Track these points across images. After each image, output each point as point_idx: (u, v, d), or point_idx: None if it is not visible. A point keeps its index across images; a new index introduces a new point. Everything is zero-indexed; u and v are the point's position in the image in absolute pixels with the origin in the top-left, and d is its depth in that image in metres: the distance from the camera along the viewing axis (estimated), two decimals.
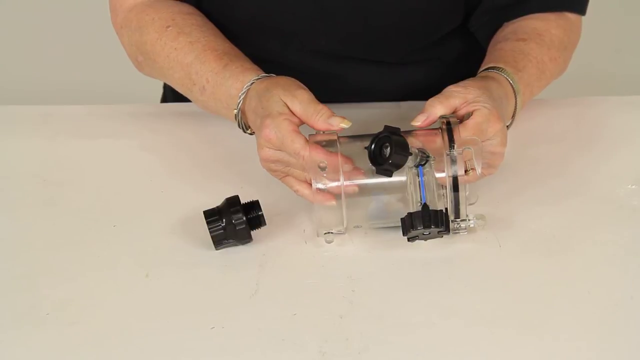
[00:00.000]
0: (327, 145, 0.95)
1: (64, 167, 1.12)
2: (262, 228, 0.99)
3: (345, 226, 0.96)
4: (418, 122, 0.96)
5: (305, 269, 0.96)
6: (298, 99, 0.97)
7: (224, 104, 1.05)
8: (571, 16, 1.17)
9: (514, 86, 1.04)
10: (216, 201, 1.01)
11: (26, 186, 1.09)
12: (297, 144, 0.95)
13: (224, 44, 1.10)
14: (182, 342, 0.87)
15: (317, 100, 0.98)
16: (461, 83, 1.00)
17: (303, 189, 0.98)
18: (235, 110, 1.03)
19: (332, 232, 0.97)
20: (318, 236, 0.97)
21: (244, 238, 0.97)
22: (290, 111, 0.97)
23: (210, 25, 1.14)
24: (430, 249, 0.97)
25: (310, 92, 0.99)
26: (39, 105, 1.24)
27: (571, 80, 1.29)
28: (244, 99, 1.02)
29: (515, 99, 1.04)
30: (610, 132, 1.16)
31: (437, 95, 0.98)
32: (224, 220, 0.96)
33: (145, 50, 1.13)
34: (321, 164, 0.94)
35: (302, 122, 0.97)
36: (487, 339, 0.87)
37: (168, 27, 1.11)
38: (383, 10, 1.15)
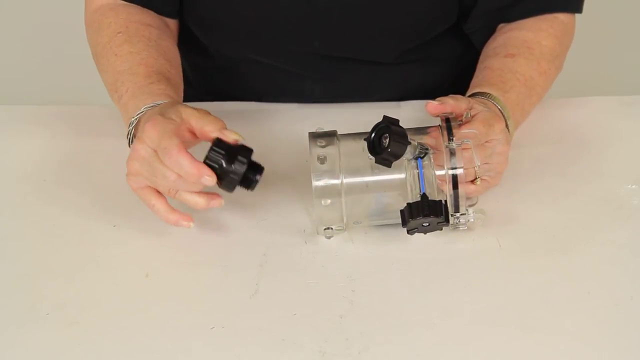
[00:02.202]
0: (327, 143, 0.95)
1: (64, 167, 1.12)
2: (262, 228, 0.99)
3: (345, 222, 0.96)
4: (432, 105, 0.97)
5: (305, 269, 0.96)
6: (198, 111, 0.96)
7: (130, 114, 1.02)
8: (564, 18, 1.16)
9: (503, 113, 1.04)
10: None
11: (26, 186, 1.09)
12: (173, 140, 0.92)
13: (162, 64, 1.08)
14: (182, 342, 0.87)
15: (214, 116, 0.96)
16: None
17: (159, 205, 0.96)
18: (134, 118, 1.00)
19: (331, 228, 0.97)
20: (318, 233, 0.97)
21: (228, 186, 0.94)
22: (181, 124, 0.95)
23: (164, 42, 1.13)
24: (430, 249, 0.97)
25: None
26: (39, 105, 1.24)
27: (571, 80, 1.29)
28: (145, 112, 1.00)
29: (506, 123, 1.04)
30: (610, 132, 1.16)
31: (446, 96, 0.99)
32: (226, 160, 0.93)
33: (97, 51, 1.13)
34: (320, 155, 0.94)
35: (194, 137, 0.96)
36: (487, 338, 0.87)
37: (119, 33, 1.11)
38: (377, 10, 1.15)
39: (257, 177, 0.95)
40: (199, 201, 0.95)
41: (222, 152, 0.93)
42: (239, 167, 0.93)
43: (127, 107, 1.03)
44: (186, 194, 0.95)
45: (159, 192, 0.97)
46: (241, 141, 0.94)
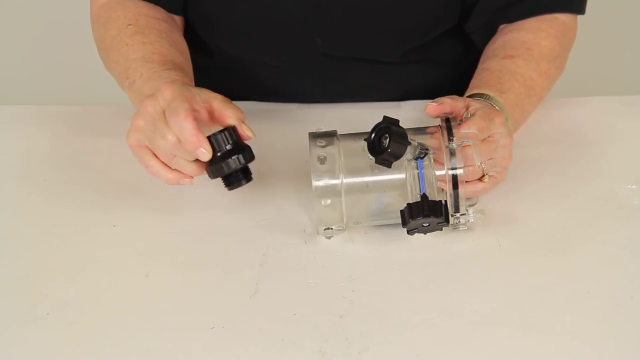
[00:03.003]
0: (327, 143, 0.95)
1: (64, 167, 1.12)
2: (262, 228, 0.99)
3: (345, 222, 0.96)
4: (431, 107, 0.96)
5: (305, 269, 0.96)
6: (221, 95, 0.96)
7: (142, 97, 1.00)
8: (565, 19, 1.16)
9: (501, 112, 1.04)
10: (216, 201, 1.02)
11: (26, 186, 1.09)
12: (185, 105, 0.91)
13: (175, 55, 1.08)
14: (182, 342, 0.87)
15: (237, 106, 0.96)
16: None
17: (157, 165, 0.95)
18: None
19: (331, 228, 0.97)
20: (318, 233, 0.97)
21: (215, 171, 0.94)
22: (200, 102, 0.94)
23: (174, 35, 1.13)
24: (430, 249, 0.97)
25: None
26: (39, 105, 1.24)
27: (571, 80, 1.29)
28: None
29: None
30: (610, 132, 1.16)
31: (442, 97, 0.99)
32: (232, 149, 0.93)
33: (105, 45, 1.13)
34: (320, 155, 0.94)
35: (210, 119, 0.95)
36: (487, 338, 0.87)
37: (129, 25, 1.11)
38: (379, 9, 1.15)
39: (242, 181, 0.95)
40: (194, 168, 0.94)
41: (230, 141, 0.92)
42: (240, 161, 0.93)
43: (142, 90, 1.02)
44: (182, 160, 0.94)
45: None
46: (251, 137, 0.95)
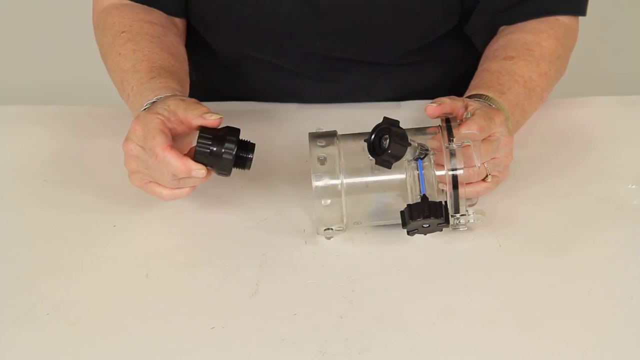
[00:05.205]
0: (327, 143, 0.95)
1: (64, 167, 1.12)
2: (262, 228, 0.99)
3: (345, 222, 0.96)
4: (431, 108, 0.97)
5: (305, 269, 0.96)
6: (184, 101, 0.97)
7: (136, 112, 1.02)
8: (567, 20, 1.16)
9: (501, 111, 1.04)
10: (216, 201, 1.01)
11: (26, 186, 1.09)
12: (157, 140, 0.93)
13: (165, 59, 1.08)
14: (182, 342, 0.87)
15: (201, 104, 0.97)
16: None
17: (168, 193, 0.97)
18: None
19: (331, 229, 0.97)
20: (318, 233, 0.97)
21: (224, 169, 0.95)
22: (170, 117, 0.95)
23: (168, 38, 1.13)
24: (430, 249, 0.97)
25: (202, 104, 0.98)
26: (39, 105, 1.24)
27: (571, 80, 1.29)
28: (147, 107, 1.00)
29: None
30: (610, 132, 1.16)
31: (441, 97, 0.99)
32: (216, 145, 0.94)
33: (102, 52, 1.14)
34: (320, 156, 0.94)
35: (180, 129, 0.96)
36: (487, 339, 0.87)
37: (122, 32, 1.11)
38: (378, 12, 1.15)
39: (250, 155, 0.96)
40: (203, 173, 0.95)
41: (209, 137, 0.94)
42: (230, 148, 0.94)
43: (134, 106, 1.04)
44: (189, 178, 0.96)
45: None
46: (222, 123, 0.95)
